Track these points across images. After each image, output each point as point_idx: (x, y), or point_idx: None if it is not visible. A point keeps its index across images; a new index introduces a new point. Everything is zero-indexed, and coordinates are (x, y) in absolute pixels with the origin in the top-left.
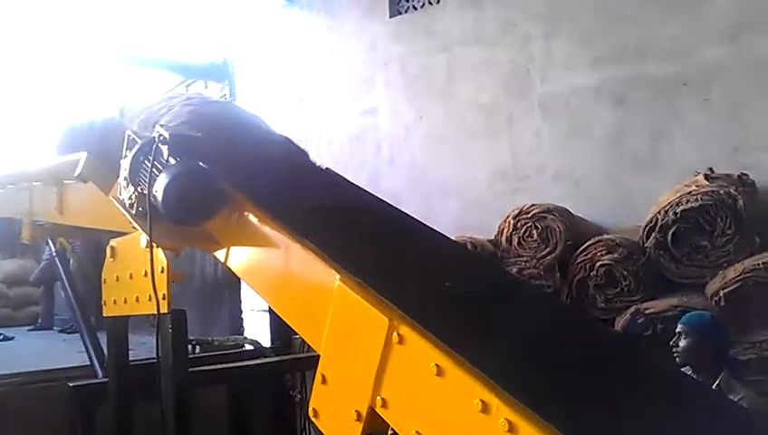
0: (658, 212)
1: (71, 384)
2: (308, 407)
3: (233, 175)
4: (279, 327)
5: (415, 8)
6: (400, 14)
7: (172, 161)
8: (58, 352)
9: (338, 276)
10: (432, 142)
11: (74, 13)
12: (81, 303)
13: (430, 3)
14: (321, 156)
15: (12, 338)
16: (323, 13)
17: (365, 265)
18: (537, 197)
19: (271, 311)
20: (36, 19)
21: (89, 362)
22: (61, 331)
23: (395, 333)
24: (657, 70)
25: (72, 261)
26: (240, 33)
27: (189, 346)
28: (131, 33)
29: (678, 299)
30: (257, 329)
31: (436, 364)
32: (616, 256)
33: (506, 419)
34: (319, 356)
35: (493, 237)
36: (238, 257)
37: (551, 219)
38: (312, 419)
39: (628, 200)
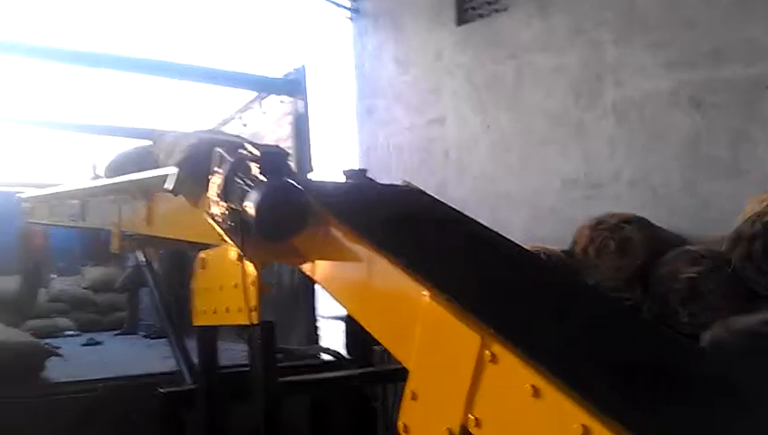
0: (744, 222)
1: (161, 390)
2: (387, 419)
3: (319, 191)
4: (357, 338)
5: (481, 16)
6: (467, 22)
7: (262, 178)
8: (144, 356)
9: (426, 293)
10: (500, 151)
11: (146, 29)
12: (168, 310)
13: (497, 11)
14: (389, 166)
15: (100, 342)
16: (389, 23)
17: (454, 281)
18: (612, 205)
19: (345, 320)
20: (110, 32)
21: (175, 368)
22: (145, 336)
23: (487, 352)
24: (735, 73)
25: (157, 270)
26: (309, 46)
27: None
28: (205, 48)
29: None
30: (328, 335)
31: (533, 385)
32: (700, 268)
33: None
34: (403, 369)
35: (566, 248)
36: (325, 271)
37: (629, 229)
38: (402, 434)
39: (708, 208)
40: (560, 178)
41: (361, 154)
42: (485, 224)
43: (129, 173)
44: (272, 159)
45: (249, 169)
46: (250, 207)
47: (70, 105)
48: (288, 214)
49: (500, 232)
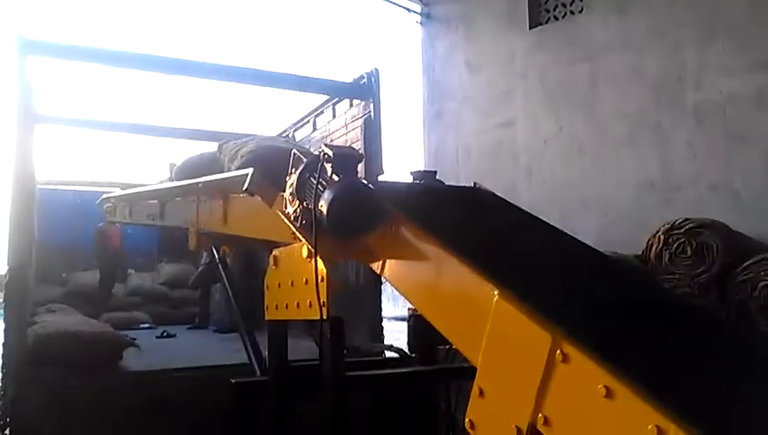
0: None
1: (233, 380)
2: (450, 417)
3: (390, 191)
4: (421, 336)
5: (556, 18)
6: (540, 24)
7: (335, 178)
8: (215, 349)
9: (496, 292)
10: (572, 154)
11: (221, 35)
12: (240, 305)
13: (572, 12)
14: (458, 168)
15: (174, 335)
16: (460, 27)
17: (524, 281)
18: (690, 210)
19: (409, 319)
20: (183, 39)
21: (245, 361)
22: (215, 330)
23: (558, 351)
24: None
25: (231, 267)
26: (379, 50)
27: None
28: (278, 54)
29: None
30: (391, 335)
31: (605, 386)
32: None
33: None
34: (468, 368)
35: (639, 253)
36: (394, 270)
37: (707, 235)
38: (469, 430)
39: None
40: (635, 182)
41: (430, 157)
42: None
43: (197, 176)
44: (345, 159)
45: (323, 169)
46: (323, 205)
47: (148, 109)
48: (359, 213)
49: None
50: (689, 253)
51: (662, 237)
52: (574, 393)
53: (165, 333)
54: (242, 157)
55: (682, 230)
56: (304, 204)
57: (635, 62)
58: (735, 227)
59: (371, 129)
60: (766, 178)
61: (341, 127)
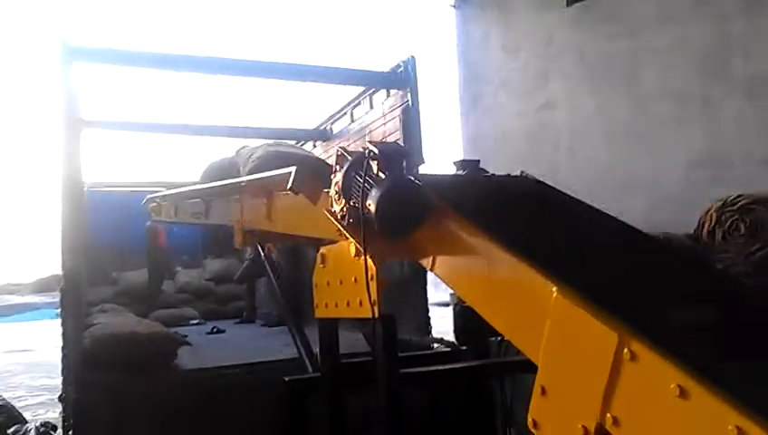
0: None
1: (286, 378)
2: (505, 412)
3: (437, 186)
4: (472, 328)
5: None
6: (578, 1)
7: (382, 175)
8: (265, 344)
9: (555, 288)
10: (615, 134)
11: (255, 30)
12: (288, 300)
13: None
14: (496, 153)
15: (223, 331)
16: (495, 8)
17: (584, 275)
18: (742, 187)
19: (456, 309)
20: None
21: (295, 355)
22: (263, 324)
23: (626, 350)
24: None
25: (277, 262)
26: (414, 37)
27: None
28: (312, 47)
29: None
30: (435, 322)
31: (678, 385)
32: None
33: None
34: (524, 361)
35: (691, 232)
36: (446, 266)
37: (761, 211)
38: (532, 429)
39: None
40: (683, 161)
41: (467, 143)
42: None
43: (218, 178)
44: (391, 156)
45: (369, 166)
46: (370, 204)
47: (189, 108)
48: (408, 211)
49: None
50: (743, 230)
51: (714, 215)
52: (645, 393)
53: (215, 329)
54: (252, 161)
55: (735, 207)
56: (351, 202)
57: (678, 35)
58: None
59: (410, 118)
60: None
61: (379, 117)
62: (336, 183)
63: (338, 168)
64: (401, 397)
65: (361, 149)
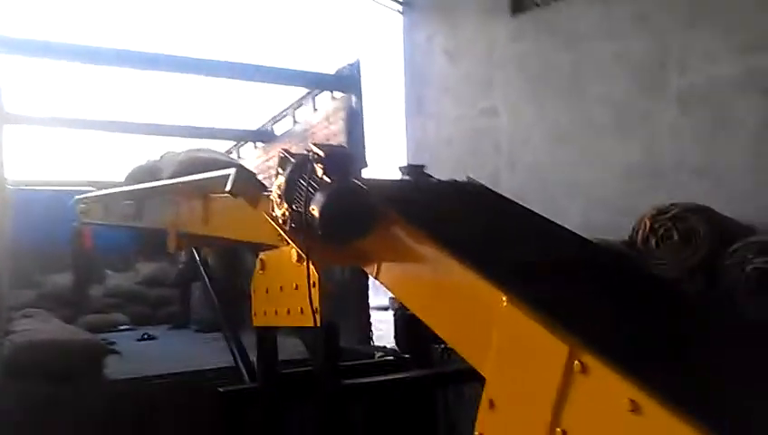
0: None
1: (221, 389)
2: (449, 421)
3: (383, 191)
4: (415, 336)
5: (538, 5)
6: (522, 11)
7: (327, 179)
8: (199, 351)
9: (505, 298)
10: (556, 141)
11: (197, 27)
12: (223, 307)
13: None
14: (439, 158)
15: (155, 337)
16: (441, 15)
17: (533, 285)
18: (675, 195)
19: (397, 316)
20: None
21: (230, 363)
22: (197, 330)
23: (576, 362)
24: None
25: (212, 267)
26: (359, 41)
27: None
28: (257, 47)
29: None
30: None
31: (631, 399)
32: None
33: None
34: (468, 370)
35: (626, 238)
36: (391, 274)
37: (693, 220)
38: None
39: None
40: (619, 168)
41: (411, 148)
42: None
43: (142, 182)
44: (336, 159)
45: (313, 169)
46: (314, 209)
47: (123, 106)
48: (354, 217)
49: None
50: (676, 238)
51: (648, 223)
52: (595, 406)
53: (146, 335)
54: (174, 166)
55: (668, 215)
56: (293, 207)
57: (618, 48)
58: (721, 211)
59: (354, 122)
60: (750, 162)
61: (323, 120)
62: (278, 186)
63: (280, 170)
64: (343, 408)
65: (305, 152)
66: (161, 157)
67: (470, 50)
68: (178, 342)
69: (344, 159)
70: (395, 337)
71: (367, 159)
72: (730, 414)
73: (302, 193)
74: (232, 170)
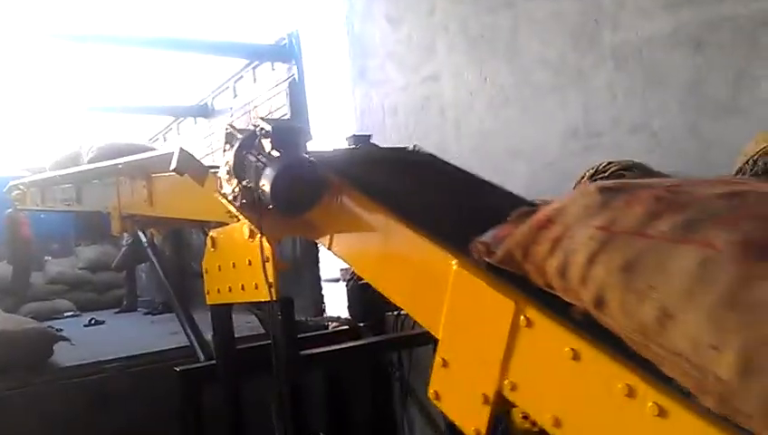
0: (746, 163)
1: (177, 369)
2: (404, 385)
3: (332, 162)
4: (368, 305)
5: None
6: None
7: (275, 153)
8: (150, 333)
9: (455, 261)
10: (498, 105)
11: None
12: (174, 287)
13: None
14: (385, 127)
15: (102, 322)
16: None
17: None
18: (613, 153)
19: (350, 286)
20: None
21: (183, 343)
22: (146, 313)
23: (522, 317)
24: (737, 11)
25: (160, 247)
26: (300, 10)
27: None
28: (194, 19)
29: None
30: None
31: (572, 348)
32: None
33: (655, 402)
34: (421, 335)
35: None
36: (344, 243)
37: (629, 177)
38: (434, 401)
39: (712, 150)
40: (561, 129)
41: (357, 117)
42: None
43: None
44: (284, 133)
45: (261, 144)
46: (264, 184)
47: (55, 82)
48: (304, 188)
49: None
50: None
51: (587, 183)
52: (540, 358)
53: (93, 321)
54: (92, 152)
55: (606, 174)
56: (243, 182)
57: (554, 6)
58: (657, 168)
59: (296, 93)
60: (683, 117)
61: (264, 92)
62: (227, 162)
63: (227, 146)
64: (301, 379)
65: (252, 127)
66: (80, 145)
67: (410, 15)
68: (128, 325)
69: (291, 132)
70: (348, 307)
71: (311, 130)
72: None
73: (252, 168)
74: (176, 149)
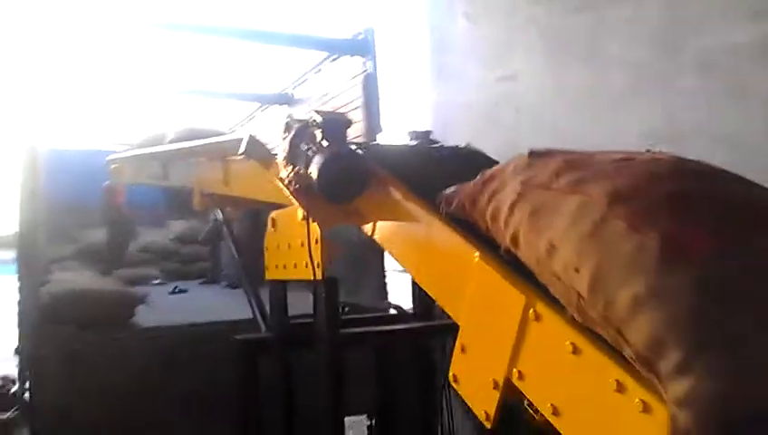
0: None
1: (237, 337)
2: (446, 370)
3: (380, 155)
4: (422, 293)
5: None
6: None
7: (325, 143)
8: (225, 304)
9: (477, 253)
10: (575, 107)
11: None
12: (243, 263)
13: None
14: (459, 122)
15: (185, 290)
16: None
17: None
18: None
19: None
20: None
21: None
22: (227, 285)
23: (532, 310)
24: None
25: (236, 225)
26: (378, 5)
27: (340, 308)
28: (270, 11)
29: None
30: (397, 289)
31: (572, 343)
32: None
33: (641, 399)
34: (457, 325)
35: None
36: (384, 232)
37: None
38: (453, 383)
39: None
40: (639, 134)
41: (433, 112)
42: None
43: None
44: (333, 125)
45: (313, 135)
46: (313, 171)
47: (147, 68)
48: (348, 177)
49: None
50: None
51: None
52: (545, 350)
53: (177, 289)
54: (172, 135)
55: None
56: (296, 169)
57: (635, 10)
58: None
59: (369, 87)
60: (765, 127)
61: (340, 84)
62: (283, 150)
63: (285, 135)
64: (343, 355)
65: (306, 118)
66: (164, 128)
67: (489, 13)
68: (208, 295)
69: (340, 124)
70: (412, 298)
71: (381, 123)
72: None
73: (303, 156)
74: (246, 134)
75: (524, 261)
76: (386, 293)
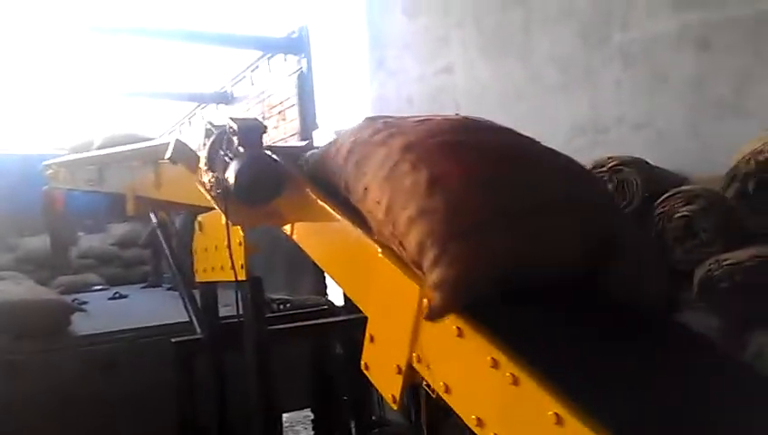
0: (741, 160)
1: (172, 340)
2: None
3: (294, 158)
4: None
5: None
6: None
7: (241, 149)
8: (165, 308)
9: (380, 250)
10: (509, 100)
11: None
12: (180, 267)
13: None
14: (400, 115)
15: (126, 296)
16: None
17: None
18: (617, 150)
19: None
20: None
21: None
22: (168, 288)
23: (424, 300)
24: (742, 11)
25: (172, 229)
26: (315, 3)
27: (274, 305)
28: (207, 11)
29: (757, 249)
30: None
31: (457, 327)
32: (695, 206)
33: (511, 373)
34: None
35: None
36: (299, 231)
37: (627, 172)
38: (364, 371)
39: (711, 149)
40: (568, 125)
41: (373, 106)
42: None
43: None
44: (248, 131)
45: (230, 140)
46: (230, 176)
47: (80, 70)
48: (263, 181)
49: None
50: (611, 190)
51: None
52: (437, 334)
53: (117, 295)
54: (100, 139)
55: (605, 168)
56: (215, 174)
57: (566, 4)
58: (658, 164)
59: (304, 84)
60: (686, 116)
61: (276, 82)
62: (204, 156)
63: (206, 140)
64: (277, 352)
65: (224, 124)
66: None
67: (426, 8)
68: (149, 300)
69: (256, 130)
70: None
71: (317, 120)
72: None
73: (221, 162)
74: (172, 139)
75: (353, 203)
76: (325, 287)
